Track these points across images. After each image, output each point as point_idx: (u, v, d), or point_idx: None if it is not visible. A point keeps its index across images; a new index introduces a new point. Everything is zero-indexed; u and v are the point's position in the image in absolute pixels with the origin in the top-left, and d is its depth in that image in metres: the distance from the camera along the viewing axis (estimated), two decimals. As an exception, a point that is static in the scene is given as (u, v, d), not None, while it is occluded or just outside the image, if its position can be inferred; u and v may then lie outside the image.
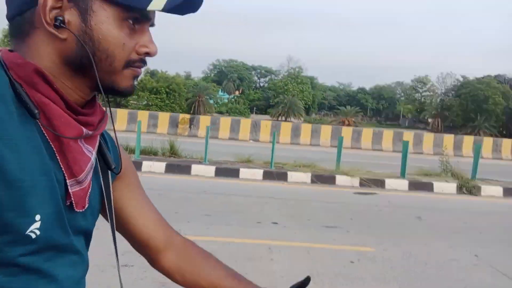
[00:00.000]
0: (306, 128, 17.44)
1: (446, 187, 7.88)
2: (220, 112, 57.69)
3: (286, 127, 17.24)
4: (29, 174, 0.53)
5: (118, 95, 0.63)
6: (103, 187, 0.69)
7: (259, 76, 77.64)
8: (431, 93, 61.78)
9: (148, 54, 0.61)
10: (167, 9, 0.56)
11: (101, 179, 0.69)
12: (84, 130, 0.59)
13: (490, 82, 45.79)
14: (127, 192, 0.76)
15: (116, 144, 0.75)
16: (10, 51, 0.59)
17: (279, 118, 48.40)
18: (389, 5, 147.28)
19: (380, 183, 7.81)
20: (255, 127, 16.88)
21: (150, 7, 0.56)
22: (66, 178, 0.58)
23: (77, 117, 0.59)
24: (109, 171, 0.70)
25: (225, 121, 17.47)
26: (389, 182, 7.83)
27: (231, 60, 73.50)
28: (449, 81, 56.54)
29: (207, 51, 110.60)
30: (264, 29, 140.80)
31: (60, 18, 0.56)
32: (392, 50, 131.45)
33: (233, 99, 64.45)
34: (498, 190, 7.88)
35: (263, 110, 61.63)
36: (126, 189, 0.75)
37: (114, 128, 0.69)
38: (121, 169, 0.71)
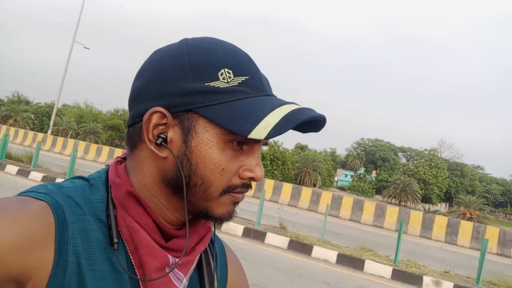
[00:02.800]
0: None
1: None
2: (342, 189, 58.00)
3: (391, 212, 14.96)
4: None
5: (213, 221, 0.58)
6: None
7: (408, 158, 75.44)
8: None
9: (252, 179, 0.56)
10: (272, 137, 0.51)
11: None
12: (171, 259, 0.55)
13: None
14: None
15: (225, 256, 0.70)
16: (123, 159, 0.61)
17: (391, 200, 46.01)
18: None
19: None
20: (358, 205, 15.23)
21: (251, 136, 0.50)
22: None
23: (167, 243, 0.56)
24: None
25: (347, 200, 15.81)
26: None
27: (377, 139, 73.51)
28: None
29: (356, 128, 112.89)
30: (423, 109, 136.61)
31: (163, 136, 0.54)
32: None
33: (357, 177, 64.08)
34: None
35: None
36: None
37: (214, 238, 0.66)
38: None
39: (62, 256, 0.49)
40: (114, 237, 0.52)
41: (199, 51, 0.54)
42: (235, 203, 0.57)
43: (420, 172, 55.86)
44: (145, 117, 0.54)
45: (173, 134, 0.54)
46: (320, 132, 0.58)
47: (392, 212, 14.83)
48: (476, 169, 74.58)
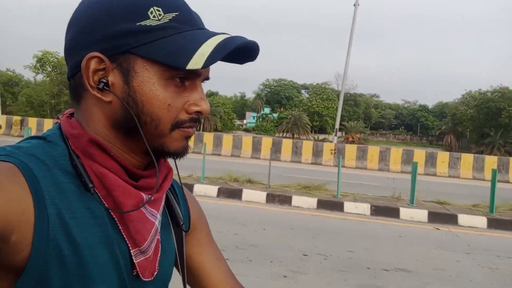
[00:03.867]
0: (286, 144, 16.35)
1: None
2: (247, 130, 61.22)
3: (275, 143, 16.20)
4: (90, 247, 0.52)
5: (170, 157, 0.60)
6: (175, 244, 0.67)
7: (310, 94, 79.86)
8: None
9: (199, 112, 0.58)
10: (209, 65, 0.52)
11: (173, 236, 0.67)
12: (145, 196, 0.57)
13: (505, 93, 41.80)
14: (197, 248, 0.74)
15: (184, 195, 0.73)
16: (71, 115, 0.60)
17: (285, 135, 49.19)
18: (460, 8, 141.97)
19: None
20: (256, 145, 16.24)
21: (189, 66, 0.52)
22: (130, 248, 0.57)
23: (137, 182, 0.58)
24: None
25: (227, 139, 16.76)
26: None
27: (281, 79, 75.99)
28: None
29: (263, 71, 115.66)
30: (318, 46, 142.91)
31: (104, 80, 0.54)
32: (464, 62, 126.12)
33: (260, 118, 67.77)
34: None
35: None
36: (196, 244, 0.74)
37: (179, 178, 0.69)
38: (189, 227, 0.70)
39: (41, 208, 0.49)
40: (88, 183, 0.54)
41: None
42: (187, 137, 0.59)
43: (314, 106, 60.60)
44: (83, 63, 0.54)
45: (114, 78, 0.55)
46: (245, 64, 0.60)
47: (327, 148, 16.04)
48: (372, 98, 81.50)
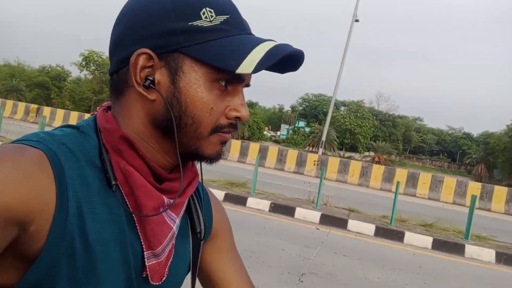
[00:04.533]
0: (272, 152, 16.45)
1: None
2: (276, 142, 61.65)
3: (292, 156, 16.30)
4: (103, 244, 0.52)
5: (203, 161, 0.60)
6: (191, 251, 0.67)
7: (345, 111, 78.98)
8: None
9: (238, 118, 0.58)
10: (258, 71, 0.52)
11: (190, 242, 0.66)
12: (166, 200, 0.57)
13: None
14: (218, 254, 0.73)
15: (209, 201, 0.73)
16: (108, 108, 0.60)
17: (311, 149, 49.35)
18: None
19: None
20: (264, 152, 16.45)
21: (239, 70, 0.52)
22: (144, 250, 0.56)
23: (161, 185, 0.57)
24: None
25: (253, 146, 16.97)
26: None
27: (321, 94, 76.08)
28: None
29: (305, 84, 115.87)
30: (363, 64, 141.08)
31: (151, 78, 0.54)
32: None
33: (291, 130, 67.95)
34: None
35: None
36: (216, 251, 0.73)
37: (202, 182, 0.68)
38: (205, 234, 0.68)
39: (63, 200, 0.49)
40: (112, 180, 0.54)
41: None
42: (223, 142, 0.59)
43: (346, 123, 59.92)
44: (132, 59, 0.54)
45: (161, 76, 0.55)
46: (287, 73, 0.60)
47: (311, 159, 16.15)
48: (415, 121, 79.01)
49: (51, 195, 0.49)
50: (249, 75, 0.57)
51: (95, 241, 0.52)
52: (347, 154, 53.13)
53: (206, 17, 0.54)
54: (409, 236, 6.40)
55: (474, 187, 14.29)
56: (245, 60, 0.52)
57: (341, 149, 56.93)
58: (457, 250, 6.10)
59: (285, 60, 0.55)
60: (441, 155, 76.49)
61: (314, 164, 16.00)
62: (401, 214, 7.38)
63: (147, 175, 0.56)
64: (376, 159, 38.95)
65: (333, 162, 16.07)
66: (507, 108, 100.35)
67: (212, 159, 0.59)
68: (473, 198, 6.67)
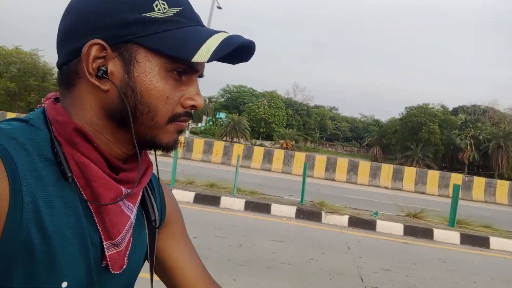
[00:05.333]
0: (197, 143, 17.13)
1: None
2: (194, 133, 61.93)
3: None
4: (61, 237, 0.51)
5: (160, 150, 0.60)
6: (147, 239, 0.67)
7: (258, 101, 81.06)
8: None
9: (194, 107, 0.58)
10: (213, 60, 0.53)
11: (146, 231, 0.67)
12: (124, 190, 0.57)
13: (428, 109, 44.41)
14: (171, 241, 0.74)
15: (159, 188, 0.72)
16: (56, 100, 0.59)
17: (225, 139, 50.02)
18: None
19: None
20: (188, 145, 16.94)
21: (195, 59, 0.53)
22: (103, 240, 0.56)
23: (117, 175, 0.57)
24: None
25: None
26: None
27: (241, 85, 76.09)
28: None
29: (221, 76, 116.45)
30: (285, 57, 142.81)
31: (103, 68, 0.54)
32: (420, 80, 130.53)
33: (210, 122, 68.81)
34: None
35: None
36: (170, 238, 0.74)
37: (157, 173, 0.68)
38: (161, 222, 0.69)
39: (17, 196, 0.48)
40: (67, 172, 0.53)
41: None
42: (179, 131, 0.59)
43: (261, 112, 62.41)
44: (84, 49, 0.53)
45: (114, 66, 0.54)
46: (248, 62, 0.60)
47: (219, 147, 16.99)
48: (331, 110, 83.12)
49: (4, 192, 0.48)
50: (202, 66, 0.59)
51: (53, 234, 0.51)
52: (259, 142, 55.45)
53: (159, 9, 0.55)
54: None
55: (365, 167, 16.66)
56: (200, 49, 0.53)
57: (257, 138, 59.25)
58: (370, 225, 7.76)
59: (237, 50, 0.56)
60: (353, 141, 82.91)
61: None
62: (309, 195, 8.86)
63: (103, 166, 0.56)
64: (284, 145, 41.51)
65: (238, 148, 17.19)
66: (411, 93, 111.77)
67: (169, 147, 0.60)
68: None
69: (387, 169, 16.57)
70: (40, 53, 40.31)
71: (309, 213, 7.21)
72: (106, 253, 0.58)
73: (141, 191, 0.63)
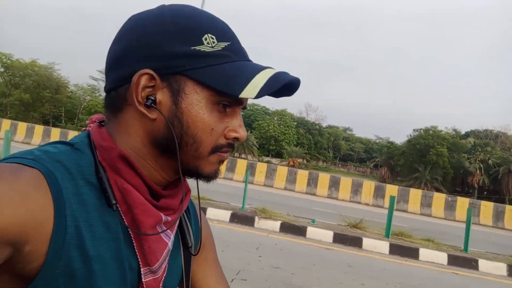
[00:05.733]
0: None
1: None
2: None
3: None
4: (102, 261, 0.52)
5: (202, 180, 0.61)
6: (183, 265, 0.68)
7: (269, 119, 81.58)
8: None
9: (236, 139, 0.59)
10: (260, 97, 0.54)
11: (182, 257, 0.67)
12: (163, 217, 0.58)
13: (436, 132, 44.46)
14: (203, 267, 0.75)
15: (199, 216, 0.73)
16: (101, 123, 0.60)
17: (235, 155, 51.86)
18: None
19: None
20: None
21: (242, 95, 0.54)
22: (141, 266, 0.57)
23: (158, 202, 0.58)
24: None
25: None
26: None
27: (254, 104, 77.23)
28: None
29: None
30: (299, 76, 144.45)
31: (152, 97, 0.55)
32: (433, 103, 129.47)
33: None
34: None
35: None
36: (203, 264, 0.75)
37: (199, 200, 0.69)
38: (199, 248, 0.69)
39: (61, 220, 0.49)
40: (111, 199, 0.54)
41: (182, 16, 0.56)
42: (221, 161, 0.60)
43: (270, 130, 62.76)
44: (134, 78, 0.54)
45: (162, 96, 0.56)
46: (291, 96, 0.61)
47: (242, 165, 17.22)
48: (346, 131, 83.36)
49: (49, 215, 0.49)
50: (246, 99, 0.59)
51: (94, 258, 0.52)
52: (266, 159, 55.62)
53: (208, 43, 0.55)
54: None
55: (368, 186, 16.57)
56: (248, 85, 0.54)
57: (267, 155, 59.43)
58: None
59: (283, 86, 0.57)
60: (367, 162, 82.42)
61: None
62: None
63: (145, 192, 0.57)
64: (291, 163, 41.53)
65: (241, 164, 17.43)
66: (426, 116, 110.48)
67: (210, 177, 0.60)
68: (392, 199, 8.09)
69: (368, 185, 16.45)
70: (56, 67, 41.92)
71: (242, 218, 7.33)
72: (143, 280, 0.58)
73: (179, 218, 0.63)
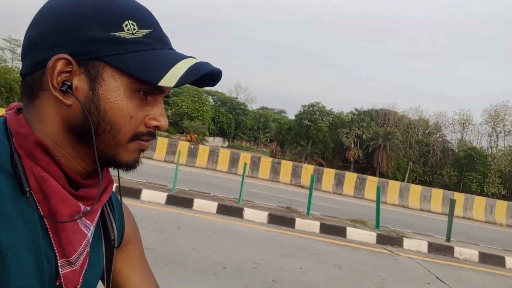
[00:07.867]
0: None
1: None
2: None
3: None
4: (16, 253, 0.48)
5: (120, 168, 0.57)
6: (104, 259, 0.63)
7: (215, 100, 76.03)
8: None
9: (157, 127, 0.56)
10: (179, 85, 0.51)
11: (104, 250, 0.63)
12: (82, 206, 0.54)
13: (319, 108, 44.44)
14: (128, 264, 0.70)
15: (121, 208, 0.69)
16: (18, 110, 0.56)
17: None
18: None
19: None
20: None
21: (161, 83, 0.51)
22: (58, 258, 0.52)
23: (77, 192, 0.54)
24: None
25: None
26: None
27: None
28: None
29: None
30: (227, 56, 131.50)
31: (68, 83, 0.51)
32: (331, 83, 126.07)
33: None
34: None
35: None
36: (127, 260, 0.70)
37: (120, 192, 0.65)
38: (120, 241, 0.66)
39: None
40: (25, 186, 0.50)
41: (102, 2, 0.53)
42: (141, 150, 0.57)
43: (183, 107, 60.21)
44: (50, 63, 0.51)
45: (79, 82, 0.52)
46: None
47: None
48: (280, 113, 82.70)
49: None
50: (168, 87, 0.56)
51: (7, 249, 0.47)
52: (178, 135, 53.48)
53: (128, 29, 0.52)
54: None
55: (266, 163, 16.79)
56: (167, 74, 0.52)
57: (181, 133, 56.76)
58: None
59: (205, 76, 0.55)
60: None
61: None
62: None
63: (62, 181, 0.53)
64: (188, 138, 39.78)
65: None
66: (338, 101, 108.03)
67: (129, 166, 0.57)
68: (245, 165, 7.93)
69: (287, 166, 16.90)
70: None
71: (180, 200, 6.61)
72: (60, 272, 0.53)
73: (100, 209, 0.60)
